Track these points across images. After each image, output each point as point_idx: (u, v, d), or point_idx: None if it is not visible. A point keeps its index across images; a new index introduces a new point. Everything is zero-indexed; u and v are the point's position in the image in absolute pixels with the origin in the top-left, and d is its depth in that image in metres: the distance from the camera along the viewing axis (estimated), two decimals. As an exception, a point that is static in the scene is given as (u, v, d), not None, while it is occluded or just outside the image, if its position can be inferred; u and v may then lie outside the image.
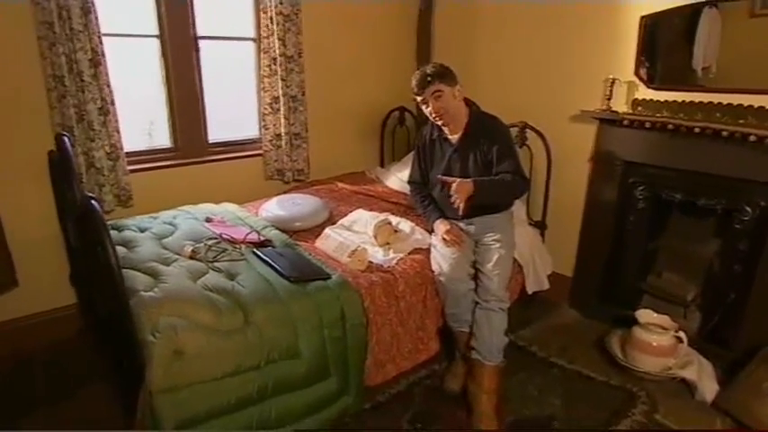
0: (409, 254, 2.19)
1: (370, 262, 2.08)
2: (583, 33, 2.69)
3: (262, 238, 2.06)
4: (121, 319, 1.37)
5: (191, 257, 1.84)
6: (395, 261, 2.11)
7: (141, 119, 2.87)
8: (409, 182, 2.49)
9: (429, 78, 2.07)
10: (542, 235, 2.83)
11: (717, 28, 2.24)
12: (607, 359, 2.45)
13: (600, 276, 2.87)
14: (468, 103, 2.22)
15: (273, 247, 2.03)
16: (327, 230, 2.35)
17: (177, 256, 1.85)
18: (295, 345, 1.64)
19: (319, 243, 2.20)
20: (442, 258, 2.13)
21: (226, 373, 1.48)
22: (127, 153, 2.62)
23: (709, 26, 2.26)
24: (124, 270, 1.69)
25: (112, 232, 2.06)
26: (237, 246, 1.95)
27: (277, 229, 2.29)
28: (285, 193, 3.00)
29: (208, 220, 2.23)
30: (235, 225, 2.23)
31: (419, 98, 2.14)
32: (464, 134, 2.17)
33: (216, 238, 1.96)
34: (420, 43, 3.53)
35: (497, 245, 2.17)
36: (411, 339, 2.08)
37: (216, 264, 1.80)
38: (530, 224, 2.79)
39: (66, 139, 1.65)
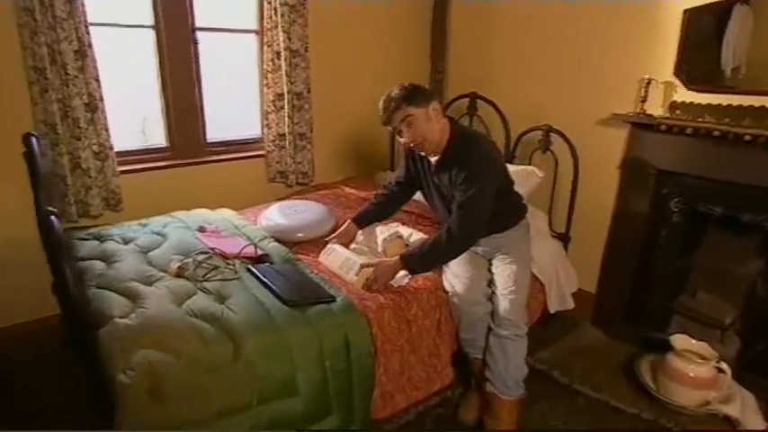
0: (422, 271, 1.98)
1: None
2: (616, 29, 2.45)
3: (259, 253, 1.85)
4: (88, 352, 1.17)
5: (177, 275, 1.63)
6: (406, 280, 1.90)
7: (134, 116, 2.68)
8: (388, 183, 2.21)
9: (394, 103, 1.75)
10: (565, 248, 2.60)
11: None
12: (636, 387, 2.23)
13: (626, 293, 2.65)
14: (452, 124, 1.88)
15: (271, 263, 1.83)
16: (332, 244, 2.15)
17: (162, 274, 1.64)
18: (292, 380, 1.44)
19: (323, 258, 2.00)
20: (454, 277, 1.91)
21: (210, 416, 1.27)
22: (117, 153, 2.43)
23: None
24: (99, 291, 1.51)
25: (93, 243, 1.88)
26: (231, 262, 1.74)
27: (276, 240, 2.08)
28: (288, 197, 2.80)
29: (201, 229, 2.02)
30: (230, 236, 2.03)
31: (389, 127, 1.85)
32: (441, 157, 1.86)
33: (207, 253, 1.76)
34: (434, 39, 3.31)
35: (509, 259, 1.95)
36: (423, 368, 1.87)
37: (205, 283, 1.59)
38: (552, 236, 2.56)
39: (34, 139, 1.44)
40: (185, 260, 1.68)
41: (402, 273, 1.89)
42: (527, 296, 1.97)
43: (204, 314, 1.45)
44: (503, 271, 1.92)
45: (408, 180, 2.10)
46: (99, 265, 1.68)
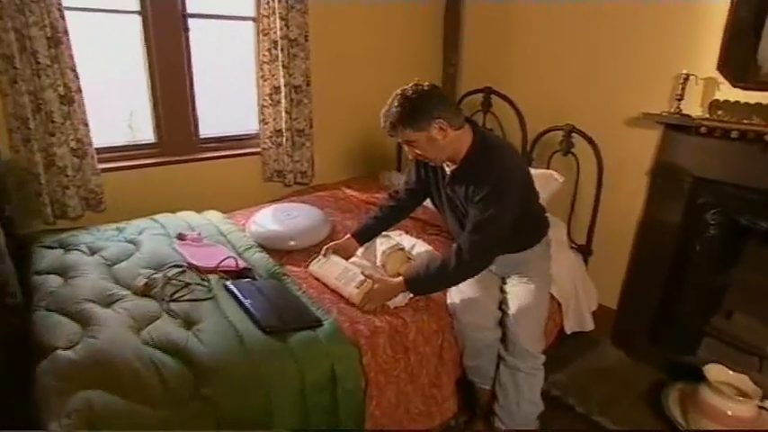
0: (424, 289, 1.76)
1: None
2: (647, 18, 2.19)
3: (241, 266, 1.65)
4: (22, 391, 0.98)
5: (143, 293, 1.44)
6: (407, 299, 1.68)
7: (121, 109, 2.49)
8: (395, 191, 1.97)
9: (391, 124, 1.53)
10: (585, 262, 2.36)
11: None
12: (663, 420, 1.99)
13: (652, 311, 2.41)
14: (474, 130, 1.62)
15: (253, 278, 1.62)
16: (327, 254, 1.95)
17: (125, 292, 1.45)
18: (266, 420, 1.24)
19: (315, 267, 1.79)
20: (459, 297, 1.70)
21: (164, 468, 1.08)
22: (100, 149, 2.25)
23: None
24: (47, 314, 1.31)
25: (56, 253, 1.70)
26: (206, 277, 1.54)
27: (264, 250, 1.88)
28: (284, 198, 2.60)
29: (180, 237, 1.83)
30: (212, 244, 1.83)
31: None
32: (458, 168, 1.63)
33: (181, 267, 1.56)
34: (447, 29, 3.06)
35: (526, 279, 1.72)
36: (422, 399, 1.65)
37: (173, 304, 1.39)
38: (572, 248, 2.32)
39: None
40: (154, 275, 1.49)
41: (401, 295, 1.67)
42: (545, 322, 1.74)
43: (165, 344, 1.25)
44: (518, 292, 1.69)
45: (419, 187, 1.85)
46: (55, 280, 1.49)
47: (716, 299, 2.32)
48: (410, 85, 1.53)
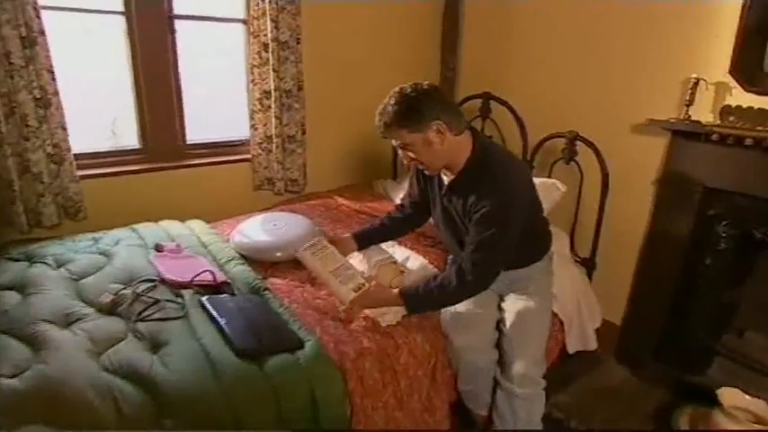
0: (416, 306, 1.64)
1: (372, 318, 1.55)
2: (654, 20, 2.08)
3: (219, 279, 1.54)
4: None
5: (109, 311, 1.32)
6: (399, 317, 1.56)
7: (104, 114, 2.39)
8: (400, 204, 1.87)
9: (385, 124, 1.42)
10: (589, 276, 2.23)
11: None
12: (673, 448, 1.86)
13: (659, 328, 2.29)
14: (475, 138, 1.51)
15: (232, 293, 1.51)
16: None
17: (89, 311, 1.33)
18: (237, 454, 1.11)
19: (305, 254, 1.60)
20: (453, 317, 1.58)
21: None
22: (82, 155, 2.17)
23: None
24: (-2, 335, 1.19)
25: (21, 265, 1.59)
26: (179, 293, 1.43)
27: (246, 262, 1.77)
28: (274, 207, 2.49)
29: (157, 248, 1.72)
30: (191, 256, 1.72)
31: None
32: (457, 178, 1.51)
33: (153, 281, 1.45)
34: (445, 31, 2.96)
35: (526, 296, 1.60)
36: (413, 424, 1.53)
37: (140, 324, 1.28)
38: (575, 261, 2.20)
39: None
40: (123, 291, 1.37)
41: (394, 309, 1.56)
42: (546, 343, 1.61)
43: (126, 370, 1.13)
44: (517, 311, 1.57)
45: (422, 199, 1.74)
46: (12, 297, 1.37)
47: (727, 316, 2.20)
48: (409, 83, 1.43)
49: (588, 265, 2.18)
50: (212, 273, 1.52)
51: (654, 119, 2.03)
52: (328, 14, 2.62)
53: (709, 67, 1.93)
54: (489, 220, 1.39)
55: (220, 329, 1.30)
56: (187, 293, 1.44)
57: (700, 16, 1.94)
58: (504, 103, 2.44)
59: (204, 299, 1.41)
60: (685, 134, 2.00)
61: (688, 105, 1.96)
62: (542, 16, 2.52)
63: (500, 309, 1.65)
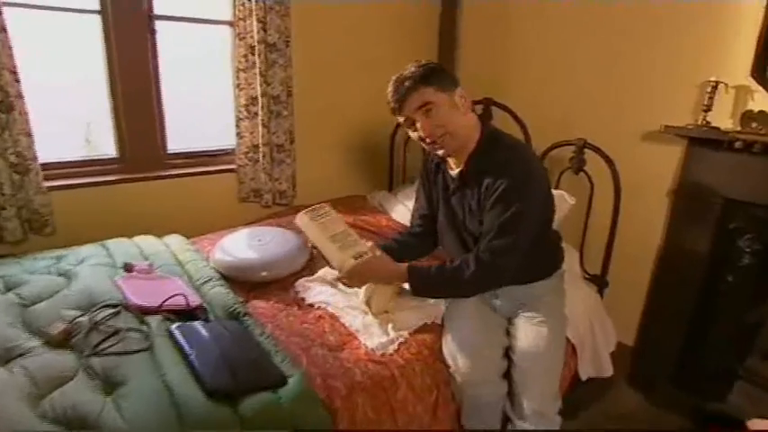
0: (416, 331, 1.47)
1: (365, 345, 1.38)
2: (668, 19, 1.96)
3: (192, 304, 1.36)
4: None
5: (60, 343, 1.14)
6: (396, 345, 1.39)
7: (78, 120, 2.22)
8: (409, 231, 1.70)
9: (408, 83, 1.29)
10: (600, 294, 2.07)
11: None
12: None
13: (676, 351, 2.13)
14: (482, 122, 1.42)
15: (207, 320, 1.33)
16: (302, 281, 1.69)
17: (34, 344, 1.14)
18: None
19: (308, 218, 1.49)
20: (457, 344, 1.40)
21: None
22: (50, 164, 2.00)
23: None
24: None
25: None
26: (145, 320, 1.25)
27: (227, 283, 1.59)
28: (261, 221, 2.32)
29: (127, 267, 1.54)
30: (164, 277, 1.54)
31: (401, 118, 1.36)
32: (467, 166, 1.39)
33: (116, 307, 1.26)
34: (443, 35, 2.83)
35: (537, 319, 1.45)
36: (412, 468, 1.35)
37: (95, 359, 1.09)
38: (585, 278, 2.04)
39: None
40: (79, 319, 1.19)
41: (390, 332, 1.39)
42: (561, 372, 1.44)
43: (71, 416, 0.95)
44: (528, 337, 1.41)
45: (432, 211, 1.59)
46: (-54, 327, 1.19)
47: (750, 337, 2.03)
48: None
49: (599, 282, 2.02)
50: (185, 296, 1.34)
51: (670, 125, 1.89)
52: (319, 16, 2.48)
53: (729, 70, 1.79)
54: (509, 196, 1.27)
55: (189, 364, 1.12)
56: (154, 321, 1.26)
57: (717, 15, 1.82)
58: (506, 109, 2.29)
59: (174, 327, 1.23)
60: (703, 142, 1.86)
61: (706, 111, 1.82)
62: (545, 17, 2.39)
63: (508, 334, 1.48)
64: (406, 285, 1.48)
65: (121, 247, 1.74)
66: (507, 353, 1.46)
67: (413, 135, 1.38)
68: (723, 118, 1.83)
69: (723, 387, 2.04)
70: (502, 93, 2.45)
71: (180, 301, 1.34)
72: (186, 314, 1.33)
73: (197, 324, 1.26)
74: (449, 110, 1.31)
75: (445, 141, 1.34)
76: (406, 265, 1.40)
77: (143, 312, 1.28)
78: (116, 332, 1.16)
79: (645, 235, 2.13)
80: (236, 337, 1.26)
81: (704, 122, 1.82)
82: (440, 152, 1.39)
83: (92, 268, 1.52)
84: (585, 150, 2.00)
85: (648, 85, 2.04)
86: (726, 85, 1.78)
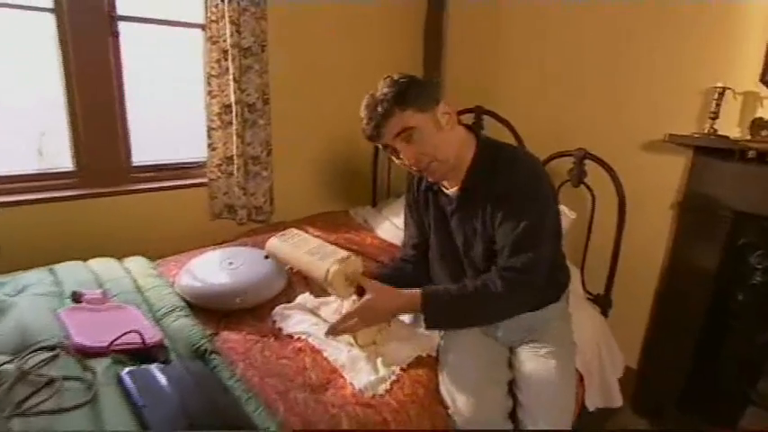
0: (409, 366, 1.29)
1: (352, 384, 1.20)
2: (670, 22, 1.85)
3: (150, 341, 1.16)
4: None
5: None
6: (387, 385, 1.21)
7: (28, 129, 2.01)
8: (402, 258, 1.53)
9: (382, 108, 1.14)
10: (603, 314, 1.92)
11: None
12: None
13: (683, 374, 2.00)
14: (470, 130, 1.29)
15: (165, 361, 1.13)
16: (280, 309, 1.50)
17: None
18: None
19: (278, 241, 1.45)
20: (455, 382, 1.23)
21: None
22: (-4, 178, 1.78)
23: None
24: None
25: None
26: (90, 365, 1.04)
27: (193, 312, 1.40)
28: (236, 240, 2.13)
29: (75, 297, 1.33)
30: (119, 307, 1.33)
31: (379, 145, 1.23)
32: (465, 183, 1.25)
33: (55, 348, 1.06)
34: (428, 42, 2.70)
35: (545, 350, 1.29)
36: None
37: (18, 420, 0.88)
38: (588, 299, 1.89)
39: None
40: (4, 366, 0.98)
41: (381, 368, 1.22)
42: (573, 409, 1.28)
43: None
44: (536, 370, 1.25)
45: (425, 236, 1.44)
46: None
47: (762, 359, 1.91)
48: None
49: (603, 303, 1.87)
50: (140, 332, 1.14)
51: (674, 134, 1.77)
52: (298, 19, 2.32)
53: (736, 75, 1.69)
54: (522, 204, 1.15)
55: (141, 419, 0.92)
56: (101, 364, 1.05)
57: (722, 16, 1.72)
58: (498, 118, 2.15)
59: (124, 372, 1.02)
60: (709, 151, 1.75)
61: (713, 118, 1.71)
62: (538, 20, 2.28)
63: (511, 366, 1.32)
64: (406, 318, 1.32)
65: (73, 272, 1.53)
66: (511, 387, 1.29)
67: (397, 162, 1.24)
68: (730, 126, 1.72)
69: (734, 412, 1.91)
70: (492, 101, 2.32)
71: (134, 337, 1.14)
72: (142, 354, 1.13)
73: (154, 368, 1.06)
74: (433, 132, 1.17)
75: (433, 168, 1.21)
76: (418, 290, 1.21)
77: (88, 354, 1.07)
78: (50, 382, 0.95)
79: (647, 251, 2.00)
80: (201, 382, 1.06)
81: (711, 131, 1.71)
82: (430, 179, 1.28)
83: (32, 299, 1.30)
84: (586, 161, 1.87)
85: (649, 92, 1.93)
86: (733, 91, 1.67)
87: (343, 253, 1.28)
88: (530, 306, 1.23)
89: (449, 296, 1.19)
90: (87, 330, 1.15)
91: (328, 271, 1.22)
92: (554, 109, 2.26)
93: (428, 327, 1.23)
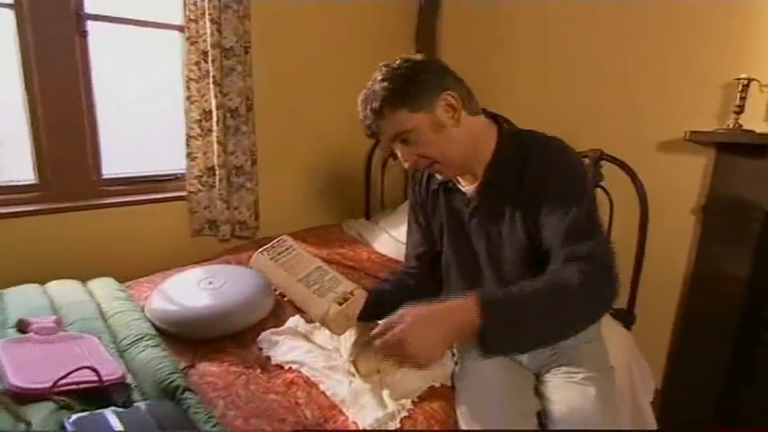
0: (421, 399, 1.10)
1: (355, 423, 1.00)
2: (686, 10, 1.73)
3: (107, 379, 0.95)
4: None
5: None
6: (397, 422, 1.01)
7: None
8: (404, 271, 1.34)
9: (375, 106, 1.00)
10: (627, 328, 1.75)
11: None
12: None
13: (711, 393, 1.83)
14: (496, 121, 1.14)
15: (126, 402, 0.92)
16: (267, 334, 1.30)
17: None
18: None
19: (266, 257, 1.15)
20: (476, 415, 1.03)
21: None
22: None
23: None
24: None
25: None
26: (24, 415, 0.83)
27: (164, 341, 1.19)
28: (218, 257, 1.93)
29: (20, 326, 1.12)
30: (74, 337, 1.12)
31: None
32: (486, 177, 1.08)
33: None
34: (420, 43, 2.56)
35: (580, 376, 1.10)
36: None
37: None
38: (610, 314, 1.72)
39: None
40: None
41: (389, 402, 1.02)
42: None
43: None
44: (572, 400, 1.05)
45: (429, 245, 1.27)
46: None
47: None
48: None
49: (626, 318, 1.70)
50: (95, 368, 0.94)
51: (696, 131, 1.63)
52: (284, 18, 2.18)
53: (760, 67, 1.56)
54: (568, 185, 0.99)
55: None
56: (42, 410, 0.84)
57: (743, 3, 1.59)
58: (505, 120, 2.00)
59: (69, 421, 0.81)
60: (734, 148, 1.61)
61: (738, 113, 1.57)
62: (538, 16, 2.16)
63: (539, 394, 1.13)
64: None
65: (23, 297, 1.32)
66: (540, 418, 1.10)
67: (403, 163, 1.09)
68: (756, 121, 1.59)
69: (771, 434, 1.74)
70: (491, 103, 2.17)
71: (88, 375, 0.93)
72: (96, 395, 0.92)
73: (109, 412, 0.85)
74: (432, 133, 1.01)
75: (436, 170, 1.10)
76: (473, 297, 0.88)
77: (25, 398, 0.86)
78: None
79: (668, 259, 1.85)
80: (169, 428, 0.86)
81: (737, 126, 1.58)
82: (438, 177, 1.14)
83: (-29, 330, 1.09)
84: (602, 162, 1.71)
85: (665, 88, 1.80)
86: (759, 82, 1.54)
87: (346, 285, 1.07)
88: (611, 306, 1.01)
89: (512, 298, 0.90)
90: (27, 368, 0.94)
91: (327, 312, 1.02)
92: (559, 110, 2.13)
93: (488, 351, 0.88)
